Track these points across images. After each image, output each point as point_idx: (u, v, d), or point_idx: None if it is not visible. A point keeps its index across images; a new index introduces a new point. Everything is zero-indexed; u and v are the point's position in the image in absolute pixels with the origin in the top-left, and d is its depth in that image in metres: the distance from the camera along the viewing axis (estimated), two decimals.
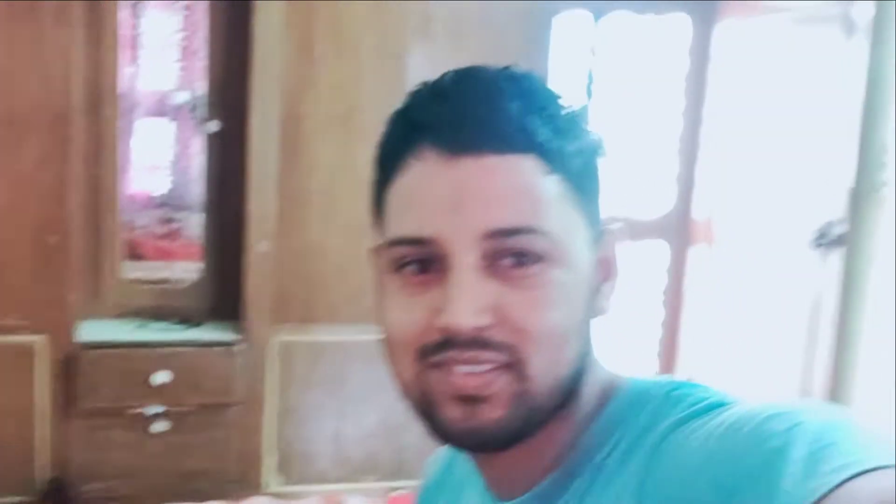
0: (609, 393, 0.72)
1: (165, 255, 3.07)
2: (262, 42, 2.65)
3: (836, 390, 3.46)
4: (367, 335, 2.86)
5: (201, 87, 2.88)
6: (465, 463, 0.83)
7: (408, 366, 0.68)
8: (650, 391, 0.70)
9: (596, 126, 0.71)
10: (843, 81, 3.16)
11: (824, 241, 3.45)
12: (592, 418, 0.71)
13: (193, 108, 2.91)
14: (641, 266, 3.44)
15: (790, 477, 0.52)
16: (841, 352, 3.43)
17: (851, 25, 3.15)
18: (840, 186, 3.41)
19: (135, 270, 2.95)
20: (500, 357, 0.65)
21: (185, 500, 2.38)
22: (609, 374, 0.74)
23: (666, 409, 0.68)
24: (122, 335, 2.71)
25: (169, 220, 3.05)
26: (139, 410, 2.63)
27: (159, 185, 3.05)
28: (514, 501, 0.74)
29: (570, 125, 0.68)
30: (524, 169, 0.65)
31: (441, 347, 0.66)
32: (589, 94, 3.14)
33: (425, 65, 2.78)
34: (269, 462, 2.82)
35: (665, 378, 0.72)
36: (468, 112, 0.66)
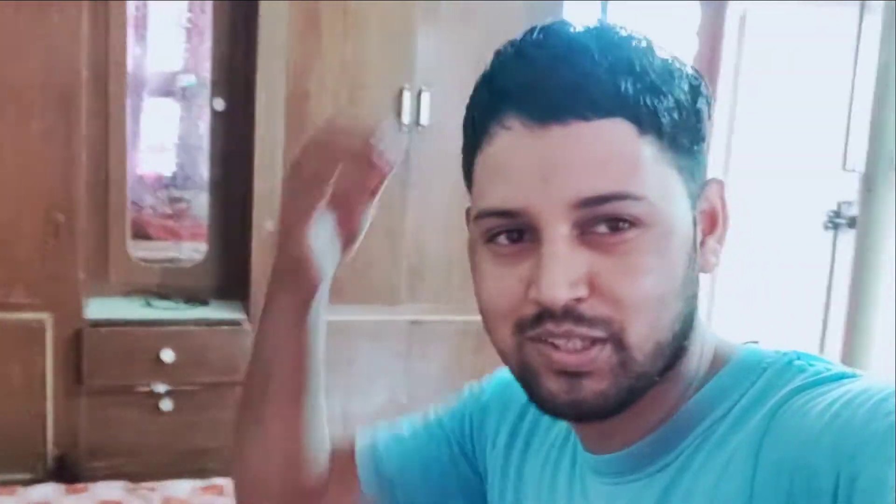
0: (722, 359, 0.71)
1: (172, 234, 3.06)
2: (267, 20, 2.63)
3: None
4: (374, 315, 2.87)
5: (207, 67, 2.86)
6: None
7: (506, 337, 0.68)
8: (768, 359, 0.69)
9: (692, 69, 0.68)
10: (856, 61, 3.13)
11: (837, 222, 3.43)
12: (703, 382, 0.70)
13: (198, 89, 2.90)
14: None
15: None
16: (852, 332, 3.42)
17: (865, 5, 3.11)
18: (854, 167, 3.38)
19: (142, 249, 2.94)
20: (595, 332, 0.64)
21: (191, 478, 2.38)
22: (719, 339, 0.73)
23: (788, 375, 0.66)
24: (129, 313, 2.71)
25: (176, 200, 3.04)
26: (146, 389, 2.64)
27: (167, 165, 3.04)
28: (609, 456, 0.73)
29: (662, 79, 0.65)
30: (614, 133, 0.63)
31: (537, 321, 0.65)
32: None
33: (432, 43, 2.76)
34: None
35: (784, 349, 0.70)
36: (553, 77, 0.63)
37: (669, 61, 0.66)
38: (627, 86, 0.63)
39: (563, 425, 0.80)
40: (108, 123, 2.73)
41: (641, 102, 0.63)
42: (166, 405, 2.66)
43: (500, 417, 0.88)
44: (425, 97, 2.74)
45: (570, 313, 0.63)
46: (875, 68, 3.26)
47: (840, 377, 0.64)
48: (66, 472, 2.61)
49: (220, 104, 2.84)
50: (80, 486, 2.48)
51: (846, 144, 3.40)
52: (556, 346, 0.65)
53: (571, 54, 0.64)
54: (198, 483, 2.22)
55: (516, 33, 0.69)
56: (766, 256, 3.25)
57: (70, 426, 2.63)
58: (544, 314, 0.64)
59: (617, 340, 0.64)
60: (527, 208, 0.64)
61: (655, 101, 0.64)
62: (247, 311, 2.76)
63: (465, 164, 0.71)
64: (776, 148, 3.19)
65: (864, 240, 3.39)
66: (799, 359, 0.68)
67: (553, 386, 0.66)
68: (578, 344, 0.64)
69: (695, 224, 0.68)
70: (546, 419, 0.81)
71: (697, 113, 0.67)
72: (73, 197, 2.54)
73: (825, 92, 3.42)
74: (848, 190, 3.40)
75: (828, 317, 3.48)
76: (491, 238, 0.67)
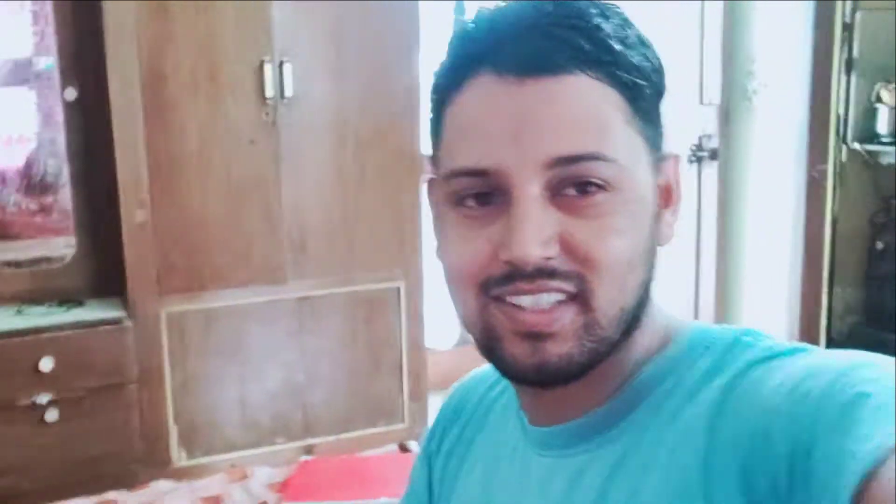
0: (671, 333, 0.72)
1: (40, 231, 2.89)
2: (112, 5, 2.50)
3: (723, 298, 3.60)
4: (261, 296, 2.81)
5: (54, 54, 2.71)
6: (489, 391, 0.84)
7: (470, 300, 0.67)
8: (715, 335, 0.70)
9: (654, 48, 0.69)
10: None
11: (700, 155, 3.55)
12: (651, 356, 0.70)
13: (53, 74, 2.74)
14: None
15: (876, 422, 0.52)
16: (724, 257, 3.57)
17: None
18: (710, 100, 3.50)
19: (8, 251, 2.78)
20: (566, 286, 0.64)
21: (89, 487, 2.28)
22: (668, 314, 0.73)
23: (737, 350, 0.67)
24: (0, 324, 2.57)
25: (40, 195, 2.87)
26: (28, 401, 2.51)
27: (26, 157, 2.86)
28: (556, 427, 0.73)
29: (632, 44, 0.66)
30: (587, 92, 0.64)
31: (506, 280, 0.64)
32: None
33: (289, 14, 2.69)
34: (174, 437, 2.75)
35: (729, 326, 0.71)
36: (526, 34, 0.64)
37: (640, 34, 0.68)
38: (601, 46, 0.64)
39: (510, 412, 0.80)
40: None
41: (615, 63, 0.64)
42: (52, 416, 2.54)
43: (443, 432, 0.89)
44: (287, 69, 2.68)
45: (542, 271, 0.63)
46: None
47: (793, 351, 0.65)
48: None
49: (71, 94, 2.70)
50: None
51: (701, 78, 3.52)
52: (521, 308, 0.65)
53: (546, 13, 0.65)
54: (91, 500, 2.11)
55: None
56: None
57: None
58: (514, 274, 0.64)
59: (583, 301, 0.64)
60: (498, 167, 0.64)
61: (628, 64, 0.65)
62: (125, 307, 2.66)
63: (431, 129, 0.71)
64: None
65: (726, 170, 3.53)
66: (746, 335, 0.69)
67: (517, 350, 0.66)
68: (545, 302, 0.64)
69: (656, 194, 0.69)
70: (492, 418, 0.83)
71: (658, 87, 0.69)
72: None
73: (677, 26, 3.52)
74: (707, 123, 3.53)
75: (700, 247, 3.62)
76: (459, 201, 0.67)
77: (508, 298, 0.65)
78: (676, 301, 3.60)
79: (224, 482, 2.09)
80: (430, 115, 0.71)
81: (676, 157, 0.73)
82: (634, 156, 0.66)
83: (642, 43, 0.68)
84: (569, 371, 0.66)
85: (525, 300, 0.64)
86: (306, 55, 2.73)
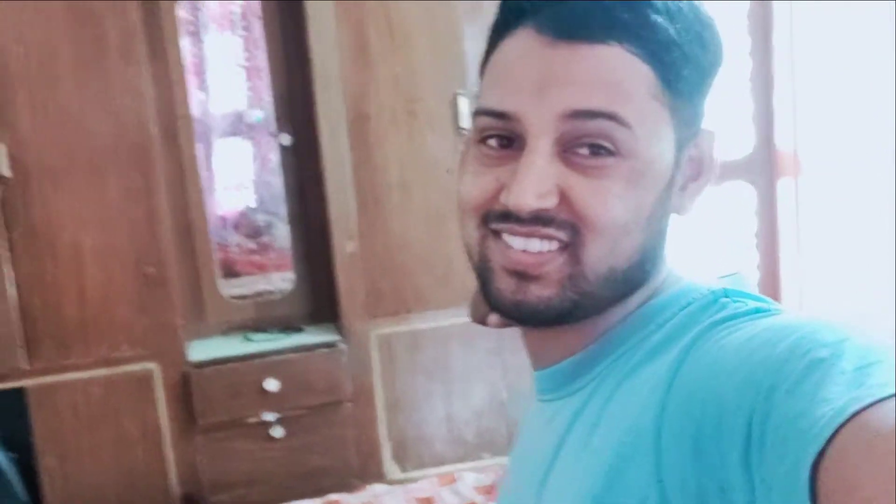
0: (658, 288, 0.73)
1: (260, 268, 3.17)
2: (318, 52, 2.70)
3: None
4: (459, 318, 2.91)
5: (268, 103, 2.96)
6: None
7: (472, 230, 0.72)
8: (695, 294, 0.71)
9: (713, 28, 0.70)
10: None
11: None
12: (633, 310, 0.73)
13: (265, 124, 3.00)
14: (728, 209, 3.38)
15: (835, 385, 0.51)
16: None
17: None
18: None
19: (233, 287, 3.05)
20: (559, 234, 0.67)
21: (310, 498, 2.47)
22: (674, 274, 0.75)
23: (710, 310, 0.68)
24: (230, 350, 2.81)
25: (258, 235, 3.14)
26: (256, 419, 2.74)
27: (245, 201, 3.14)
28: (543, 371, 0.77)
29: (679, 18, 0.67)
30: (616, 61, 0.66)
31: (503, 218, 0.69)
32: None
33: (480, 45, 2.79)
34: (386, 451, 2.90)
35: (720, 284, 0.71)
36: (571, 1, 0.67)
37: (697, 10, 0.69)
38: (641, 17, 0.66)
39: None
40: (182, 171, 2.84)
41: (651, 36, 0.66)
42: (278, 432, 2.76)
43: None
44: None
45: (537, 218, 0.67)
46: None
47: (756, 311, 0.65)
48: None
49: (286, 139, 2.93)
50: None
51: None
52: (512, 247, 0.69)
53: None
54: (316, 502, 2.31)
55: None
56: (844, 202, 3.16)
57: (190, 465, 2.74)
58: (510, 215, 0.68)
59: (573, 253, 0.67)
60: (517, 112, 0.67)
61: (668, 40, 0.67)
62: (339, 331, 2.85)
63: (480, 71, 0.76)
64: (845, 90, 3.10)
65: None
66: (726, 296, 0.69)
67: (503, 284, 0.70)
68: (535, 247, 0.68)
69: (677, 166, 0.70)
70: None
71: (703, 66, 0.70)
72: (160, 248, 2.65)
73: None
74: None
75: None
76: (483, 139, 0.71)
77: (503, 236, 0.69)
78: (884, 313, 3.38)
79: (435, 485, 2.21)
80: (479, 65, 0.75)
81: (712, 134, 0.73)
82: (655, 127, 0.67)
83: (696, 19, 0.68)
84: (546, 314, 0.69)
85: (516, 241, 0.68)
86: None
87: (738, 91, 3.26)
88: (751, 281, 0.73)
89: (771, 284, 3.39)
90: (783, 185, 3.26)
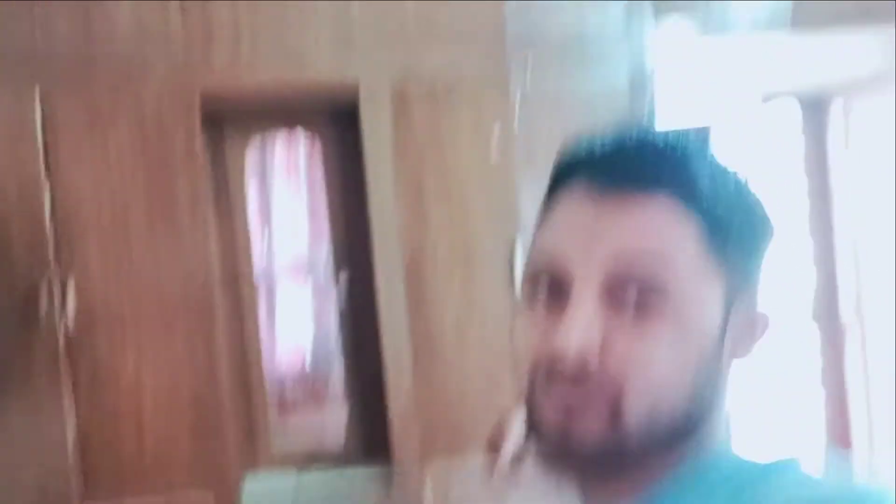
0: (711, 437, 0.73)
1: (315, 404, 3.20)
2: (376, 196, 2.77)
3: None
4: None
5: (327, 245, 3.04)
6: None
7: (524, 381, 0.73)
8: (742, 466, 0.71)
9: (761, 196, 0.72)
10: None
11: None
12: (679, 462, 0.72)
13: (324, 266, 3.07)
14: (792, 349, 3.32)
15: None
16: None
17: None
18: None
19: (288, 424, 3.09)
20: (599, 391, 0.68)
21: None
22: (727, 424, 0.75)
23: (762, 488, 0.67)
24: (281, 485, 2.84)
25: (315, 373, 3.19)
26: None
27: (302, 341, 3.21)
28: None
29: (726, 181, 0.70)
30: (662, 211, 0.67)
31: (548, 373, 0.70)
32: None
33: (534, 191, 2.82)
34: None
35: (764, 460, 0.71)
36: (619, 153, 0.70)
37: (736, 174, 0.71)
38: (689, 171, 0.68)
39: None
40: (243, 319, 2.95)
41: (697, 191, 0.68)
42: None
43: None
44: None
45: (579, 375, 0.67)
46: None
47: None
48: None
49: (343, 279, 3.00)
50: None
51: None
52: (554, 393, 0.70)
53: (643, 139, 0.70)
54: None
55: None
56: None
57: None
58: (555, 367, 0.68)
59: (614, 406, 0.68)
60: (565, 267, 0.69)
61: (712, 196, 0.68)
62: (390, 476, 2.85)
63: (537, 223, 0.78)
64: None
65: None
66: (775, 471, 0.68)
67: (551, 416, 0.70)
68: (577, 395, 0.68)
69: (725, 322, 0.70)
70: None
71: (753, 224, 0.72)
72: (219, 392, 2.71)
73: None
74: None
75: None
76: (534, 292, 0.73)
77: (553, 386, 0.70)
78: None
79: None
80: (539, 214, 0.78)
81: (767, 319, 0.73)
82: (699, 284, 0.67)
83: (742, 184, 0.70)
84: (591, 447, 0.68)
85: (559, 390, 0.69)
86: None
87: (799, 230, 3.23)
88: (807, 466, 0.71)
89: (840, 422, 3.29)
90: (848, 328, 3.19)
